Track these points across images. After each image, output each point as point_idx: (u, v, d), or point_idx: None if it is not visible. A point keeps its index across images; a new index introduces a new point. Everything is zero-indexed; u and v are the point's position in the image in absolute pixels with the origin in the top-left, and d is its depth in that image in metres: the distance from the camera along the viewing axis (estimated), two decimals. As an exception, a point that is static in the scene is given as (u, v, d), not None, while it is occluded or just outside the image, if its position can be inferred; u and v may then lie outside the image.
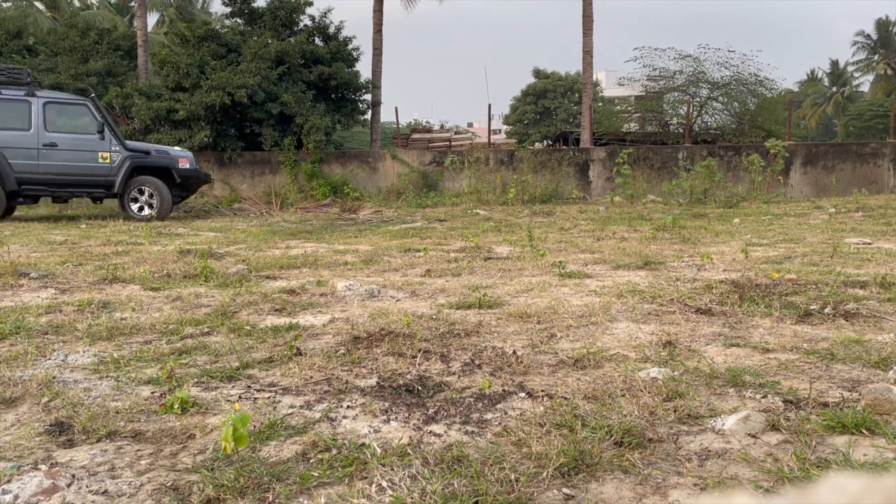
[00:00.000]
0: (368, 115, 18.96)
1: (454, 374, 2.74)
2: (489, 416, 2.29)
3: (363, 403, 2.41)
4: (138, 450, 2.05)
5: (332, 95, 17.46)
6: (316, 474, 1.85)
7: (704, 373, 2.67)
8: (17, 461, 1.97)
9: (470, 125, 45.74)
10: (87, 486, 1.82)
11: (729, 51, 19.05)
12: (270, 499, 1.73)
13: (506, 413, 2.31)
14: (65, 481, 1.83)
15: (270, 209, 13.93)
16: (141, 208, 11.15)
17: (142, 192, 11.15)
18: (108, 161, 10.96)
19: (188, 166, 11.51)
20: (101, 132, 10.89)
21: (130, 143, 11.39)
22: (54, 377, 2.70)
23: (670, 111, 20.60)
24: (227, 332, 3.46)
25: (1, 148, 10.62)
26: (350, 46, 17.70)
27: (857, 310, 3.64)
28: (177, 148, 11.98)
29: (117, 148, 11.01)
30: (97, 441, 2.11)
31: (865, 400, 2.25)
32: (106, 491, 1.80)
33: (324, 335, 3.40)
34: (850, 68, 49.98)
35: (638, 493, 1.75)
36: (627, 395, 2.38)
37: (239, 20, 18.00)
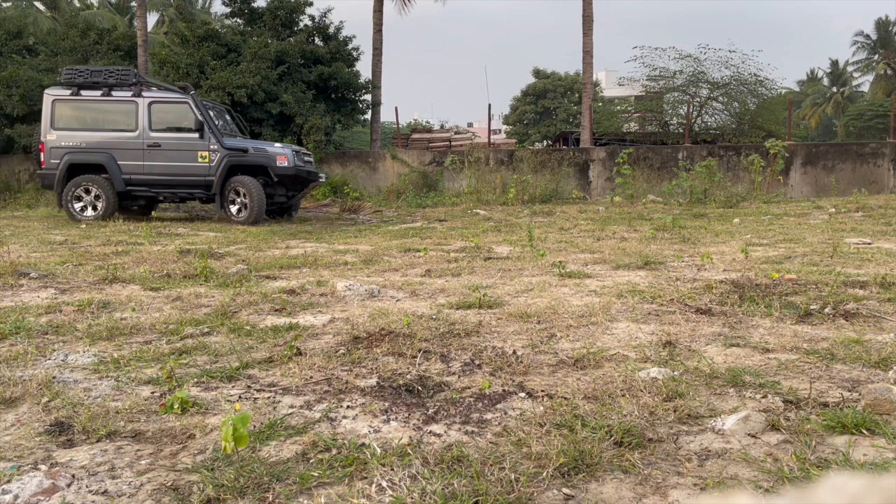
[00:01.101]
0: (368, 115, 18.97)
1: (454, 374, 2.74)
2: (489, 416, 2.29)
3: (363, 403, 2.41)
4: (138, 450, 2.05)
5: (332, 95, 17.46)
6: (316, 474, 1.85)
7: (704, 373, 2.67)
8: (17, 461, 1.97)
9: (470, 125, 45.74)
10: (87, 486, 1.82)
11: (730, 51, 19.04)
12: (270, 499, 1.73)
13: (506, 413, 2.31)
14: (65, 481, 1.83)
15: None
16: (239, 210, 10.50)
17: (238, 194, 10.51)
18: (206, 160, 10.53)
19: (286, 164, 10.53)
20: (199, 130, 10.49)
21: (230, 141, 10.70)
22: (54, 377, 2.70)
23: (670, 111, 20.60)
24: (227, 332, 3.46)
25: (111, 150, 10.70)
26: (350, 46, 17.70)
27: (857, 310, 3.64)
28: (277, 144, 10.95)
29: (216, 146, 10.51)
30: (97, 441, 2.11)
31: (865, 400, 2.25)
32: (106, 491, 1.80)
33: (324, 335, 3.40)
34: (849, 68, 50.00)
35: (638, 493, 1.75)
36: (627, 395, 2.38)
37: (239, 20, 18.01)
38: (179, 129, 10.59)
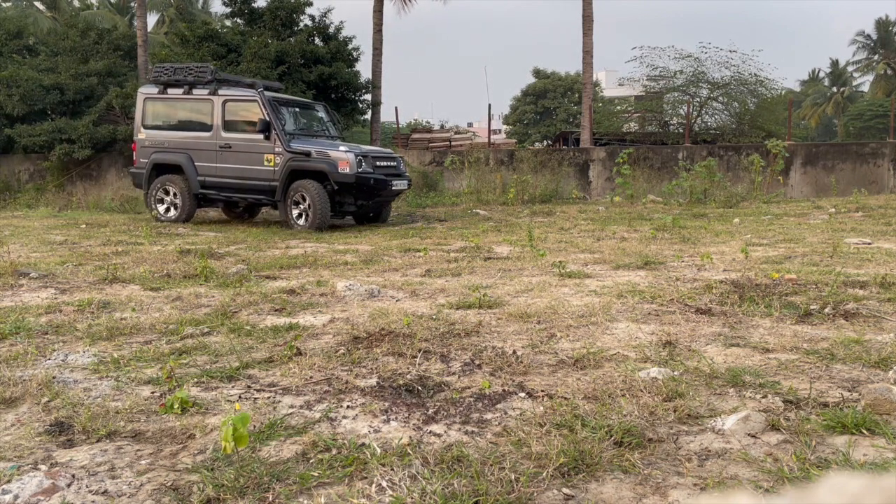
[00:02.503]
0: (368, 115, 18.96)
1: (454, 374, 2.74)
2: (489, 416, 2.29)
3: (363, 403, 2.41)
4: (138, 450, 2.05)
5: (332, 95, 17.46)
6: (316, 474, 1.85)
7: (704, 373, 2.67)
8: (17, 461, 1.97)
9: (470, 125, 45.73)
10: (87, 486, 1.82)
11: (730, 51, 19.04)
12: (270, 499, 1.73)
13: (506, 413, 2.31)
14: (65, 481, 1.83)
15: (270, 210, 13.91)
16: (300, 216, 9.69)
17: (303, 199, 9.65)
18: (272, 164, 9.80)
19: (347, 170, 9.47)
20: (264, 131, 9.72)
21: (296, 144, 9.81)
22: (54, 377, 2.70)
23: (670, 111, 20.59)
24: (227, 332, 3.46)
25: (189, 150, 10.37)
26: (350, 46, 17.70)
27: (857, 310, 3.64)
28: (343, 147, 9.86)
29: (280, 149, 9.76)
30: (97, 441, 2.11)
31: (865, 400, 2.25)
32: (106, 491, 1.80)
33: (324, 335, 3.40)
34: (850, 68, 50.00)
35: (638, 493, 1.75)
36: (627, 395, 2.38)
37: (239, 20, 18.01)
38: (248, 130, 10.02)
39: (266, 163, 9.85)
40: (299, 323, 3.64)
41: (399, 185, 10.36)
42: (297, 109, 10.83)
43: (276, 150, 9.77)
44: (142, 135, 10.74)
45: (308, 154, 9.69)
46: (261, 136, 9.77)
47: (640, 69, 20.73)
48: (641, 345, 3.10)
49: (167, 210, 10.56)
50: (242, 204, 10.92)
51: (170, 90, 10.51)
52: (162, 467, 1.93)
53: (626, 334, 3.33)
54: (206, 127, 10.27)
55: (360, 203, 10.07)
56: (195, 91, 10.32)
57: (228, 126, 10.16)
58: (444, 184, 16.39)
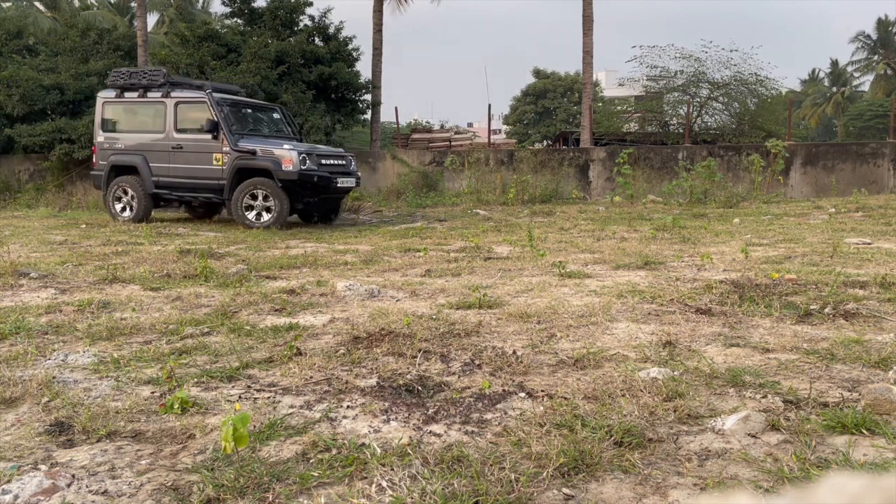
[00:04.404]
0: (368, 115, 18.96)
1: (454, 374, 2.74)
2: (489, 416, 2.29)
3: (363, 403, 2.41)
4: (138, 450, 2.05)
5: (332, 95, 17.46)
6: (316, 474, 1.85)
7: (704, 373, 2.67)
8: (17, 461, 1.97)
9: (470, 125, 45.70)
10: (87, 486, 1.82)
11: (731, 50, 19.04)
12: (270, 499, 1.73)
13: (506, 413, 2.31)
14: (65, 481, 1.83)
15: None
16: (258, 215, 9.83)
17: (255, 197, 9.84)
18: (220, 163, 10.04)
19: (291, 168, 9.60)
20: (212, 131, 9.95)
21: (243, 143, 9.99)
22: (54, 377, 2.70)
23: (670, 111, 20.58)
24: (227, 332, 3.46)
25: (144, 151, 10.66)
26: (350, 46, 17.70)
27: (857, 310, 3.64)
28: (287, 145, 9.99)
29: (227, 149, 9.98)
30: (97, 441, 2.11)
31: (865, 400, 2.25)
32: (106, 491, 1.80)
33: (324, 335, 3.40)
34: (850, 68, 49.98)
35: (638, 493, 1.75)
36: (627, 395, 2.38)
37: (239, 20, 18.00)
38: (198, 131, 10.26)
39: (215, 162, 10.12)
40: (299, 323, 3.64)
41: (345, 182, 10.47)
42: (251, 111, 11.08)
43: (224, 149, 10.05)
44: (101, 137, 11.07)
45: (254, 153, 9.93)
46: (209, 136, 10.04)
47: (640, 69, 20.72)
48: (641, 345, 3.10)
49: (123, 209, 10.87)
50: (195, 203, 11.19)
51: (126, 94, 10.82)
52: (162, 467, 1.93)
53: (626, 334, 3.33)
54: (159, 129, 10.58)
55: (307, 200, 10.30)
56: (149, 94, 10.63)
57: (180, 127, 10.46)
58: (444, 184, 16.39)
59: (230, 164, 9.98)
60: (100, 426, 2.19)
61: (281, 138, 10.84)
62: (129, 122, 10.93)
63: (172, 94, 10.45)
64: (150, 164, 10.58)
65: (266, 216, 9.82)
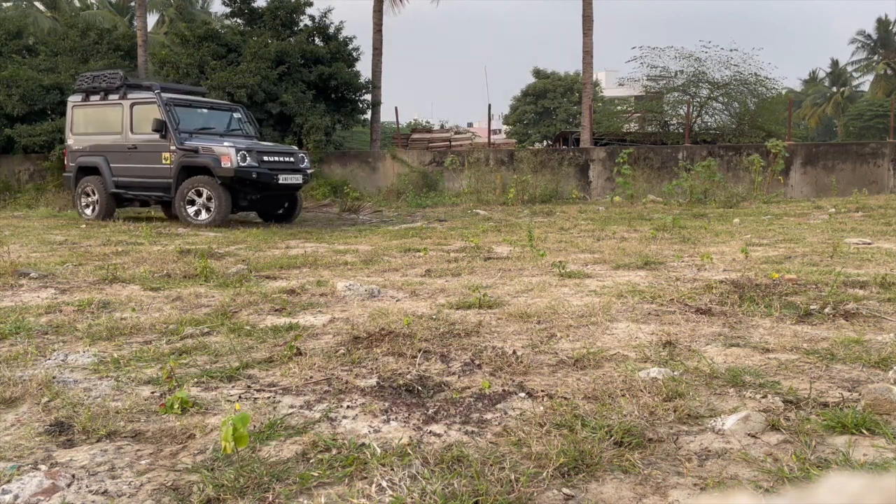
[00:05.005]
0: (368, 115, 18.96)
1: (454, 374, 2.74)
2: (489, 416, 2.29)
3: (363, 403, 2.41)
4: (138, 450, 2.05)
5: (332, 95, 17.45)
6: (316, 474, 1.85)
7: (704, 373, 2.67)
8: (17, 461, 1.97)
9: (470, 125, 45.70)
10: (87, 486, 1.82)
11: (731, 50, 19.03)
12: (270, 499, 1.73)
13: (506, 413, 2.31)
14: (65, 481, 1.83)
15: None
16: (198, 212, 10.06)
17: (199, 195, 10.04)
18: (168, 162, 10.30)
19: (229, 165, 9.75)
20: (159, 130, 10.20)
21: (189, 142, 10.20)
22: (54, 377, 2.70)
23: (670, 111, 20.58)
24: (227, 332, 3.46)
25: (106, 153, 11.02)
26: (350, 46, 17.70)
27: (857, 310, 3.64)
28: (227, 143, 10.10)
29: (174, 147, 10.24)
30: (97, 441, 2.11)
31: (865, 400, 2.25)
32: (106, 491, 1.80)
33: (324, 335, 3.40)
34: (849, 68, 49.97)
35: (638, 493, 1.75)
36: (627, 395, 2.38)
37: (239, 20, 18.00)
38: (150, 131, 10.52)
39: (164, 161, 10.41)
40: (299, 323, 3.64)
41: (288, 179, 10.48)
42: (208, 111, 11.27)
43: (171, 148, 10.32)
44: (70, 140, 11.54)
45: (196, 151, 10.15)
46: (158, 136, 10.32)
47: (640, 69, 20.76)
48: (641, 345, 3.10)
49: (87, 209, 11.29)
50: (151, 202, 11.43)
51: (91, 97, 11.21)
52: (162, 467, 1.93)
53: (626, 334, 3.33)
54: (118, 130, 10.92)
55: (251, 197, 10.48)
56: (110, 97, 10.99)
57: (135, 128, 10.75)
58: (444, 184, 16.39)
59: (176, 162, 10.28)
60: (100, 426, 2.19)
61: (236, 137, 11.04)
62: (94, 125, 11.32)
63: (129, 96, 10.80)
64: (111, 165, 10.97)
65: (204, 214, 10.08)
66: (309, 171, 11.09)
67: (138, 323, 3.62)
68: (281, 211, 11.29)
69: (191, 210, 10.12)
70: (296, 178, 10.64)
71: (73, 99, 11.48)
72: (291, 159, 10.77)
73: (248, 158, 9.90)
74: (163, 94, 10.49)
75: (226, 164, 9.81)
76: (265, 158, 10.25)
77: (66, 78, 17.07)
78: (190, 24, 18.45)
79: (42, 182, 16.87)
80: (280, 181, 10.30)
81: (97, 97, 11.10)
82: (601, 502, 1.71)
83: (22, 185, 17.20)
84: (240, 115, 11.77)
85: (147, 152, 10.57)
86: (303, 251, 6.86)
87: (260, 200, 10.78)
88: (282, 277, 5.22)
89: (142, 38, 18.38)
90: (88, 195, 11.23)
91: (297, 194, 11.21)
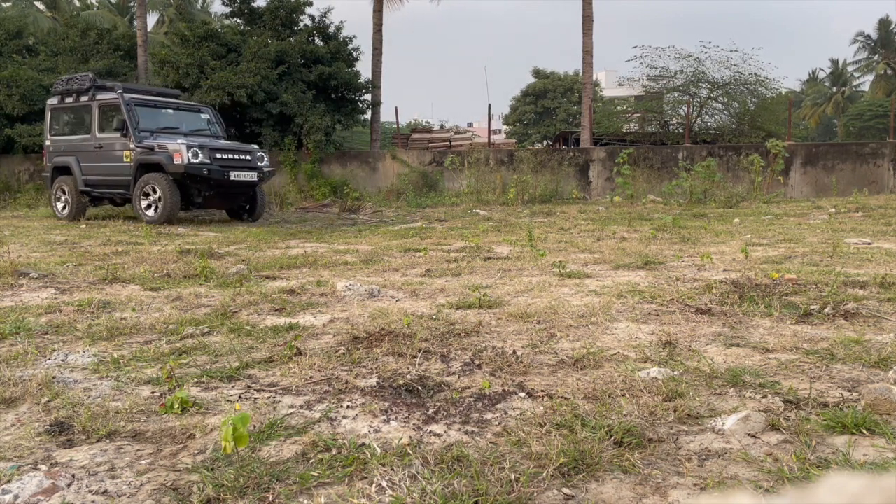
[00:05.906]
0: (368, 115, 18.96)
1: (454, 374, 2.74)
2: (489, 416, 2.29)
3: (363, 403, 2.41)
4: (138, 450, 2.05)
5: (332, 95, 17.46)
6: (316, 474, 1.85)
7: (704, 373, 2.67)
8: (17, 461, 1.97)
9: (470, 125, 45.70)
10: (87, 486, 1.82)
11: (731, 50, 19.04)
12: (270, 499, 1.73)
13: (506, 413, 2.31)
14: (65, 481, 1.83)
15: (270, 209, 13.92)
16: (148, 207, 10.39)
17: (154, 191, 10.30)
18: (128, 160, 10.65)
19: (180, 162, 10.01)
20: (120, 129, 10.62)
21: (148, 140, 10.50)
22: (54, 377, 2.70)
23: (670, 111, 20.59)
24: (227, 332, 3.46)
25: (77, 152, 11.39)
26: (350, 46, 17.70)
27: (857, 310, 3.64)
28: (180, 140, 10.35)
29: (133, 145, 10.57)
30: (97, 441, 2.11)
31: (865, 400, 2.25)
32: (106, 491, 1.80)
33: (324, 335, 3.40)
34: (850, 68, 49.97)
35: (638, 493, 1.75)
36: (627, 395, 2.38)
37: (239, 20, 18.00)
38: (114, 130, 10.89)
39: (125, 159, 10.73)
40: (299, 323, 3.64)
41: (240, 176, 10.66)
42: (174, 111, 11.53)
43: (131, 146, 10.62)
44: (48, 141, 11.99)
45: (152, 148, 10.43)
46: (119, 135, 10.70)
47: (640, 69, 20.75)
48: (641, 345, 3.10)
49: (62, 207, 11.64)
50: (117, 199, 11.64)
51: (66, 99, 11.60)
52: (162, 467, 1.93)
53: (626, 334, 3.33)
54: (87, 130, 11.31)
55: (205, 194, 10.71)
56: (81, 98, 11.37)
57: (102, 128, 11.11)
58: (444, 184, 16.39)
59: (135, 160, 10.59)
60: (100, 426, 2.19)
61: (201, 136, 11.29)
62: (68, 126, 11.75)
63: (97, 98, 11.11)
64: (81, 164, 11.31)
65: (152, 211, 10.32)
66: (266, 170, 11.25)
67: (138, 323, 3.62)
68: (248, 208, 11.58)
69: (144, 205, 10.43)
70: (250, 176, 10.85)
71: (51, 101, 11.89)
72: (247, 157, 10.97)
73: (199, 155, 10.17)
74: (125, 95, 10.86)
75: (177, 160, 10.07)
76: (218, 156, 10.49)
77: (66, 78, 17.04)
78: (190, 24, 18.44)
79: (42, 182, 16.88)
80: (232, 178, 10.54)
81: (70, 99, 11.47)
82: (601, 502, 1.71)
83: (22, 185, 17.21)
84: (207, 116, 12.03)
85: (111, 151, 10.92)
86: (303, 251, 6.86)
87: (216, 197, 11.04)
88: (282, 277, 5.22)
89: (142, 38, 18.38)
90: (64, 194, 11.54)
91: (258, 191, 11.39)
